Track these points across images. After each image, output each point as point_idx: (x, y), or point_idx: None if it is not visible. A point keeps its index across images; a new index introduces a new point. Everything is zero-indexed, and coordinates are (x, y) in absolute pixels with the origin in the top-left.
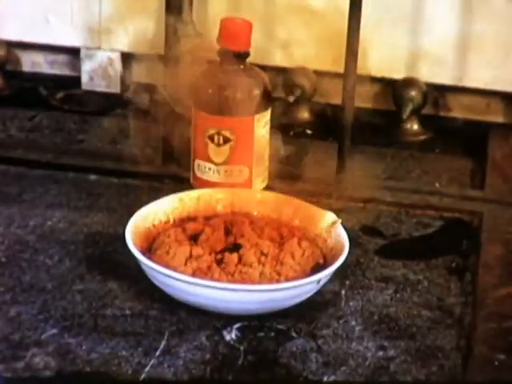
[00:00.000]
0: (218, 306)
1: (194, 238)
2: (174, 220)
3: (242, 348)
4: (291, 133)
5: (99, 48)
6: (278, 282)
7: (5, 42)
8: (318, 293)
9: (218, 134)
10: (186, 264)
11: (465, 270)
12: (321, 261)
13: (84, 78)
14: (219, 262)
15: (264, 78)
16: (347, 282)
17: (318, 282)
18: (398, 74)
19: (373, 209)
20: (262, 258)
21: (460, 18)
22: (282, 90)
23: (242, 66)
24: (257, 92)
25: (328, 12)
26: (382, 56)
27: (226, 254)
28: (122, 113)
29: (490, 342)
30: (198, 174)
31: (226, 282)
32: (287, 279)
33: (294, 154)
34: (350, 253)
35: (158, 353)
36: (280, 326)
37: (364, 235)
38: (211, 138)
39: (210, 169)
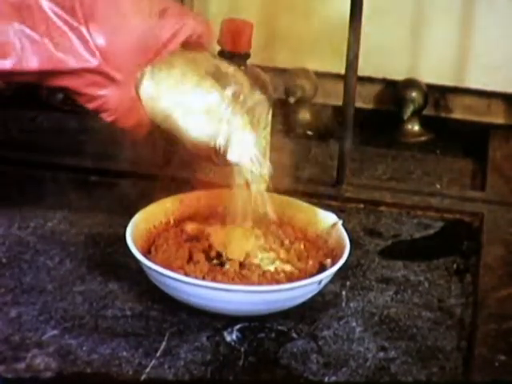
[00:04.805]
0: (218, 306)
1: (194, 239)
2: (175, 221)
3: (242, 349)
4: (292, 134)
5: None
6: (278, 282)
7: None
8: (319, 294)
9: None
10: (186, 265)
11: (465, 271)
12: (324, 261)
13: None
14: (220, 263)
15: (265, 79)
16: (348, 283)
17: (319, 282)
18: (399, 75)
19: (373, 210)
20: (265, 259)
21: (461, 18)
22: (282, 91)
23: (242, 67)
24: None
25: (329, 13)
26: (383, 57)
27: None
28: None
29: (491, 343)
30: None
31: (226, 282)
32: (290, 280)
33: (295, 155)
34: (350, 254)
35: (158, 353)
36: (281, 327)
37: (365, 236)
38: None
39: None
